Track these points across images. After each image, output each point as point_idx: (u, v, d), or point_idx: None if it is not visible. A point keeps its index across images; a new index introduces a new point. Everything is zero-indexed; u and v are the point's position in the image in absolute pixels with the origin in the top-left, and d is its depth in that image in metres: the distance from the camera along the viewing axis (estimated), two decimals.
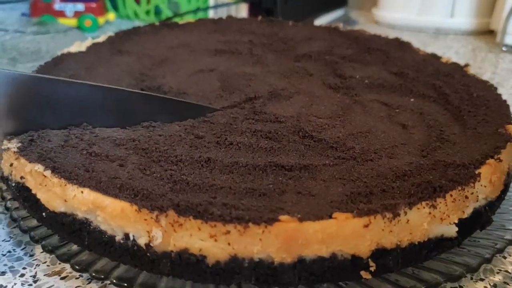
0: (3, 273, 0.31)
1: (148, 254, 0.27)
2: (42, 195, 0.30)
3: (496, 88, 0.45)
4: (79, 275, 0.31)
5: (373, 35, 0.58)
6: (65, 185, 0.28)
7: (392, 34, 0.84)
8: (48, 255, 0.32)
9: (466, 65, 0.50)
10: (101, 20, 0.84)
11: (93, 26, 0.83)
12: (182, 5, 0.84)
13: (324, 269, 0.27)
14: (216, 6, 0.84)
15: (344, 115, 0.41)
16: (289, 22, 0.62)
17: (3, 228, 0.35)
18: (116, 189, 0.28)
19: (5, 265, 0.32)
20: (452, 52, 0.78)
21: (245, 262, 0.26)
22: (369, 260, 0.27)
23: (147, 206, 0.27)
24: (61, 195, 0.29)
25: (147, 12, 0.87)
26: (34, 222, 0.32)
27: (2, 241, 0.34)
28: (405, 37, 0.83)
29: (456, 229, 0.29)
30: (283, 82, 0.47)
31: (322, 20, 0.87)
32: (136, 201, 0.27)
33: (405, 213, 0.28)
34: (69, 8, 0.83)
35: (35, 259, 0.33)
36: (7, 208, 0.34)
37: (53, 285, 0.31)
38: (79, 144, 0.33)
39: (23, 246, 0.34)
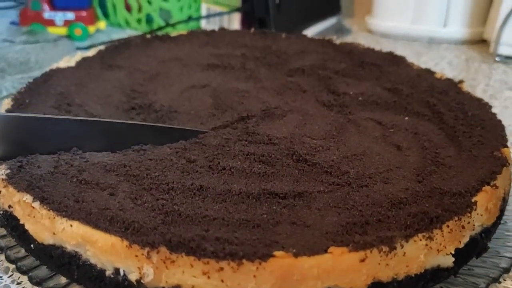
0: None
1: None
2: (30, 226, 0.29)
3: (490, 107, 0.44)
4: None
5: (366, 49, 0.58)
6: (54, 217, 0.28)
7: (385, 43, 0.85)
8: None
9: (461, 82, 0.49)
10: (91, 29, 0.82)
11: (83, 35, 0.81)
12: (174, 14, 0.83)
13: None
14: (208, 16, 0.83)
15: (338, 135, 0.40)
16: (282, 35, 0.62)
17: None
18: (106, 221, 0.28)
19: None
20: (445, 62, 0.78)
21: None
22: None
23: (138, 241, 0.26)
24: (49, 228, 0.28)
25: (139, 21, 0.86)
26: (21, 252, 0.31)
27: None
28: (399, 46, 0.84)
29: (453, 259, 0.29)
30: (276, 99, 0.46)
31: (315, 29, 0.86)
32: (127, 236, 0.26)
33: (402, 246, 0.27)
34: (59, 17, 0.82)
35: (23, 287, 0.32)
36: None
37: None
38: (69, 170, 0.33)
39: (10, 273, 0.33)
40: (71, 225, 0.27)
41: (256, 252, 0.26)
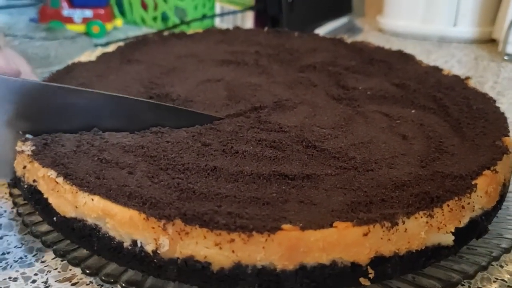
0: (15, 279, 0.32)
1: (155, 260, 0.28)
2: (53, 200, 0.31)
3: (495, 101, 0.46)
4: (90, 282, 0.32)
5: (376, 47, 0.60)
6: (76, 192, 0.30)
7: (396, 42, 0.87)
8: (59, 261, 0.33)
9: (467, 78, 0.51)
10: (109, 26, 0.85)
11: (101, 32, 0.84)
12: (188, 12, 0.85)
13: (324, 276, 0.28)
14: (222, 14, 0.85)
15: (346, 125, 0.42)
16: (295, 33, 0.64)
17: (14, 235, 0.36)
18: (125, 197, 0.30)
19: (16, 271, 0.33)
20: (455, 60, 0.79)
21: (249, 269, 0.27)
22: (368, 267, 0.28)
23: (155, 214, 0.28)
24: (72, 202, 0.30)
25: (154, 19, 0.88)
26: (45, 228, 0.33)
27: (14, 247, 0.35)
28: (409, 45, 0.85)
29: (453, 237, 0.30)
30: (287, 93, 0.48)
31: (327, 28, 0.88)
32: (144, 210, 0.28)
33: (403, 222, 0.29)
34: (78, 15, 0.84)
35: (47, 265, 0.33)
36: (19, 214, 0.35)
37: None
38: (90, 150, 0.35)
39: (34, 253, 0.35)
40: (92, 199, 0.29)
41: (265, 225, 0.27)
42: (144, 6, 0.89)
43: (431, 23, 0.88)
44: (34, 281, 0.32)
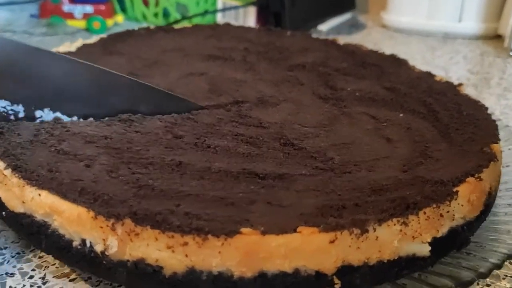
0: (12, 274, 0.31)
1: (104, 262, 0.26)
2: (2, 194, 0.29)
3: (487, 108, 0.43)
4: (88, 277, 0.30)
5: (369, 50, 0.57)
6: (24, 186, 0.28)
7: (400, 38, 0.85)
8: None
9: (460, 85, 0.48)
10: (109, 22, 0.83)
11: (101, 28, 0.82)
12: (190, 8, 0.84)
13: (286, 285, 0.26)
14: (224, 10, 0.84)
15: (330, 125, 0.40)
16: (287, 32, 0.62)
17: (11, 230, 0.34)
18: (76, 192, 0.27)
19: (14, 266, 0.31)
20: (460, 56, 0.77)
21: (204, 275, 0.25)
22: (334, 277, 0.26)
23: (104, 213, 0.26)
24: (19, 196, 0.28)
25: (156, 15, 0.87)
26: None
27: (12, 242, 0.34)
28: (414, 41, 0.83)
29: (429, 248, 0.28)
30: (272, 90, 0.46)
31: (330, 24, 0.87)
32: (94, 207, 0.26)
33: (374, 229, 0.26)
34: (78, 10, 0.83)
35: (44, 261, 0.32)
36: None
37: (62, 287, 0.30)
38: (48, 140, 0.32)
39: (31, 248, 0.33)
40: (39, 194, 0.27)
41: (223, 228, 0.25)
42: (145, 2, 0.87)
43: (435, 19, 0.86)
44: (31, 277, 0.31)
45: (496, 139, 0.36)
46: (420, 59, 0.74)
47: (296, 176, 0.32)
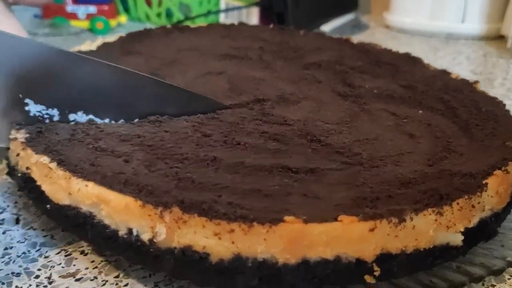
0: (18, 274, 0.31)
1: (151, 250, 0.27)
2: (47, 187, 0.30)
3: (504, 105, 0.44)
4: (94, 277, 0.31)
5: (383, 49, 0.58)
6: (70, 178, 0.28)
7: (403, 39, 0.86)
8: (63, 256, 0.32)
9: (475, 82, 0.49)
10: (113, 22, 0.84)
11: (105, 28, 0.83)
12: (193, 8, 0.84)
13: (328, 272, 0.27)
14: (227, 10, 0.84)
15: (352, 122, 0.41)
16: (300, 31, 0.63)
17: (17, 230, 0.35)
18: (121, 184, 0.28)
19: (20, 266, 0.32)
20: (463, 57, 0.78)
21: (249, 261, 0.26)
22: (374, 264, 0.27)
23: (152, 201, 0.26)
24: (65, 188, 0.29)
25: (159, 15, 0.87)
26: None
27: (17, 242, 0.34)
28: (416, 42, 0.84)
29: (462, 237, 0.29)
30: (291, 87, 0.47)
31: (332, 24, 0.87)
32: (141, 197, 0.27)
33: (411, 219, 0.27)
34: (82, 11, 0.84)
35: (50, 261, 0.32)
36: None
37: (67, 287, 0.30)
38: (85, 138, 0.33)
39: (38, 248, 0.33)
40: (86, 186, 0.28)
41: (267, 216, 0.26)
42: (148, 3, 0.88)
43: (438, 19, 0.87)
44: (37, 277, 0.31)
45: None
46: (423, 59, 0.75)
47: (326, 171, 0.33)
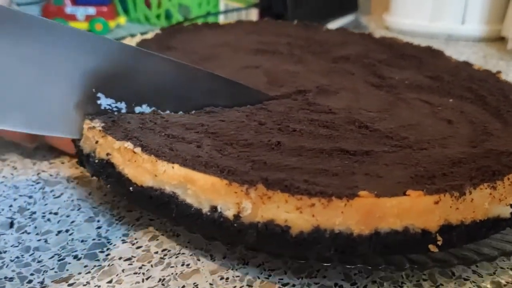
0: (11, 279, 0.31)
1: (235, 225, 0.29)
2: (130, 171, 0.32)
3: None
4: (86, 282, 0.31)
5: (405, 43, 0.61)
6: (156, 161, 0.31)
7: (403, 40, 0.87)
8: (56, 261, 0.33)
9: (498, 72, 0.52)
10: (112, 24, 0.86)
11: (104, 30, 0.84)
12: (192, 10, 0.86)
13: (396, 242, 0.29)
14: (226, 11, 0.86)
15: (391, 110, 0.43)
16: (323, 27, 0.65)
17: (11, 234, 0.36)
18: (202, 165, 0.31)
19: (13, 271, 0.32)
20: (463, 58, 0.80)
21: (327, 233, 0.29)
22: (437, 234, 0.30)
23: (237, 180, 0.29)
24: (151, 171, 0.31)
25: (158, 16, 0.89)
26: None
27: (11, 246, 0.34)
28: (416, 43, 0.85)
29: (511, 210, 0.32)
30: (326, 80, 0.49)
31: (332, 26, 0.88)
32: (225, 176, 0.29)
33: (470, 192, 0.30)
34: (81, 12, 0.85)
35: (43, 265, 0.33)
36: None
37: None
38: (154, 127, 0.36)
39: (31, 252, 0.34)
40: (172, 167, 0.30)
41: (343, 191, 0.29)
42: (148, 4, 0.90)
43: (438, 21, 0.88)
44: (30, 281, 0.31)
45: None
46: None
47: (380, 153, 0.35)
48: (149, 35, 0.56)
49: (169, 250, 0.35)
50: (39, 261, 0.33)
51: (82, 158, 0.36)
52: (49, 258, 0.33)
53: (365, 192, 0.29)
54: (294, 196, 0.28)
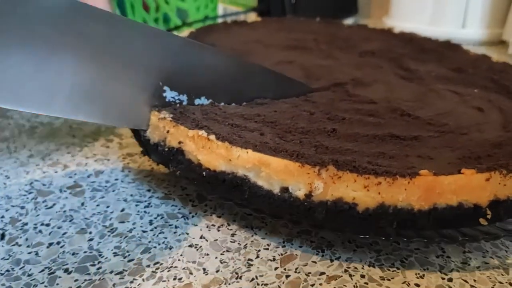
0: None
1: (305, 203, 0.32)
2: (203, 157, 0.35)
3: None
4: None
5: (424, 37, 0.65)
6: (231, 147, 0.34)
7: None
8: (46, 275, 0.32)
9: None
10: None
11: None
12: (190, 14, 0.87)
13: (451, 216, 0.32)
14: (225, 15, 0.87)
15: (425, 99, 0.46)
16: (344, 24, 0.68)
17: (2, 246, 0.35)
18: (271, 151, 0.34)
19: (3, 284, 0.31)
20: None
21: (390, 209, 0.32)
22: (487, 209, 0.33)
23: (309, 162, 0.32)
24: (225, 156, 0.34)
25: (156, 20, 0.90)
26: None
27: (1, 259, 0.34)
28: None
29: None
30: (359, 73, 0.53)
31: None
32: (296, 159, 0.32)
33: None
34: None
35: (33, 279, 0.32)
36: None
37: None
38: (216, 117, 0.38)
39: (21, 265, 0.33)
40: (247, 152, 0.33)
41: (405, 171, 0.32)
42: (146, 8, 0.91)
43: (438, 24, 0.87)
44: None
45: None
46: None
47: (427, 138, 0.38)
48: (185, 33, 0.59)
49: (161, 264, 0.34)
50: (29, 275, 0.32)
51: (148, 148, 0.39)
52: (39, 272, 0.33)
53: (425, 171, 0.32)
54: (362, 176, 0.31)
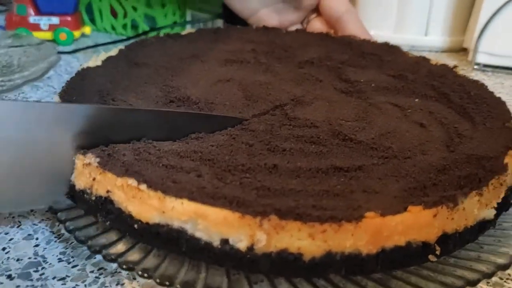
0: None
1: (248, 256, 0.30)
2: (134, 208, 0.32)
3: (487, 86, 0.51)
4: None
5: (363, 40, 0.63)
6: (164, 197, 0.31)
7: None
8: None
9: (455, 66, 0.55)
10: (76, 33, 0.84)
11: (68, 39, 0.83)
12: (158, 20, 0.86)
13: (400, 256, 0.31)
14: (193, 22, 0.86)
15: (367, 117, 0.45)
16: (282, 30, 0.66)
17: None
18: (209, 198, 0.31)
19: None
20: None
21: (338, 256, 0.30)
22: (435, 245, 0.32)
23: (250, 212, 0.30)
24: (158, 207, 0.31)
25: (124, 26, 0.88)
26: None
27: None
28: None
29: (494, 212, 0.35)
30: (298, 89, 0.51)
31: None
32: (235, 208, 0.30)
33: (462, 202, 0.32)
34: (44, 22, 0.83)
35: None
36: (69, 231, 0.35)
37: None
38: (149, 157, 0.36)
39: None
40: (181, 203, 0.31)
41: (351, 214, 0.30)
42: (114, 14, 0.89)
43: (402, 32, 0.89)
44: None
45: (510, 115, 0.44)
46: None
47: (371, 166, 0.37)
48: (113, 52, 0.55)
49: (105, 269, 0.34)
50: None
51: (74, 194, 0.36)
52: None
53: (371, 213, 0.30)
54: (306, 224, 0.29)
